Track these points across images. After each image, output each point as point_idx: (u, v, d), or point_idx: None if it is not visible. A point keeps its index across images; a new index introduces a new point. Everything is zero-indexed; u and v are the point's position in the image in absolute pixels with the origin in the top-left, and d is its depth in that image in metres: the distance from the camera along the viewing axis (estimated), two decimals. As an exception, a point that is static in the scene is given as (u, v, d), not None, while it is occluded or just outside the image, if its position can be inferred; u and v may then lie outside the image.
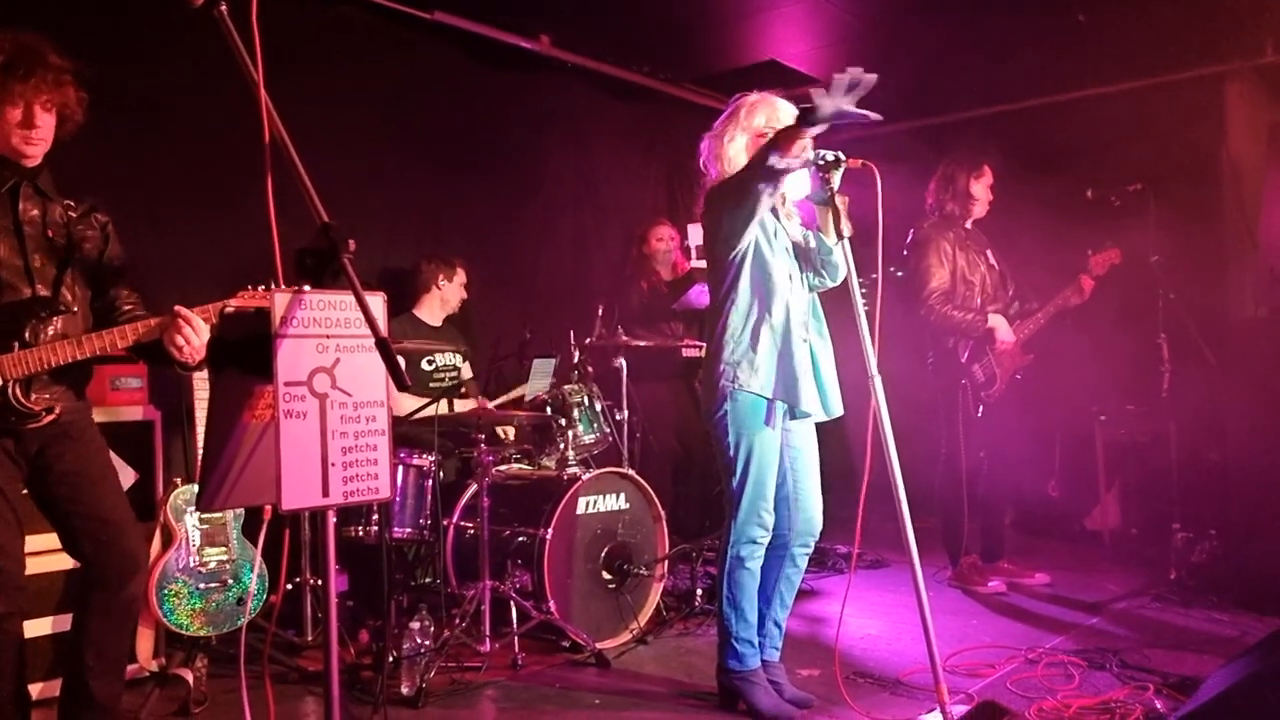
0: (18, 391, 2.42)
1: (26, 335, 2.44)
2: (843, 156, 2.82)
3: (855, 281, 2.91)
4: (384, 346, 1.46)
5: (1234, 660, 2.70)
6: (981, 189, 4.65)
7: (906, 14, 5.17)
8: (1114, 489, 5.74)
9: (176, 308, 2.44)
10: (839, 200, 2.84)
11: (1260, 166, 5.48)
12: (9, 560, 2.47)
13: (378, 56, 4.84)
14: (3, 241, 2.48)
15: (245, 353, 1.51)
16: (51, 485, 2.56)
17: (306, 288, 1.53)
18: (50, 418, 2.49)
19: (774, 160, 2.63)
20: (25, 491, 2.57)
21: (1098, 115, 5.91)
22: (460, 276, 4.63)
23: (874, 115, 2.51)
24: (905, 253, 4.67)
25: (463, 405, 4.23)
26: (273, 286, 2.14)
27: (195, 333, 2.42)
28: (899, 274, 4.68)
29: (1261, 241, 4.66)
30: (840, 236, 2.88)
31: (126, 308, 2.68)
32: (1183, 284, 4.67)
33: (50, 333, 2.49)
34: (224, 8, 1.75)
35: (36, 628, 3.04)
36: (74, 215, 2.62)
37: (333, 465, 1.49)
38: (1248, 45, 5.43)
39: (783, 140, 2.62)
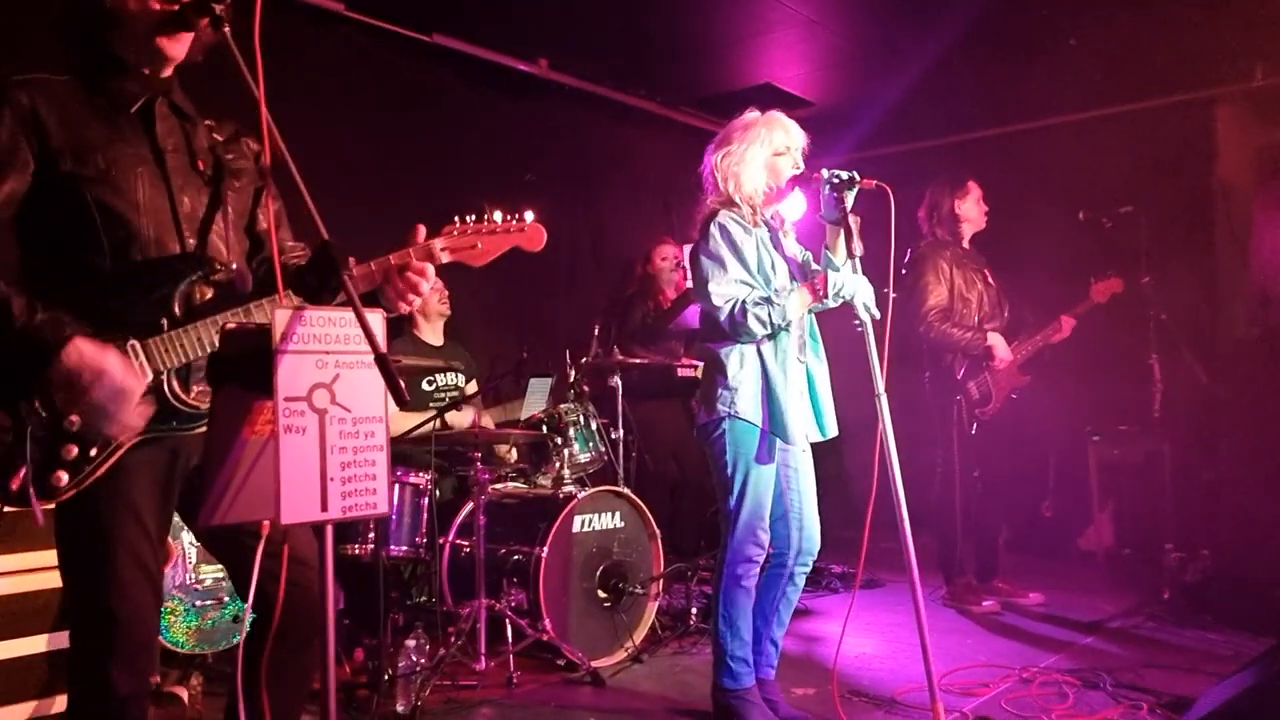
0: (176, 385, 1.82)
1: (176, 308, 1.82)
2: (857, 176, 2.81)
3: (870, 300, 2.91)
4: (383, 363, 1.47)
5: (1229, 677, 2.71)
6: (970, 206, 4.68)
7: (900, 39, 5.24)
8: (1107, 509, 5.76)
9: (392, 257, 1.89)
10: (852, 220, 2.83)
11: (1250, 189, 5.54)
12: (136, 626, 1.83)
13: (376, 78, 4.88)
14: (143, 178, 1.84)
15: (245, 368, 1.52)
16: None
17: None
18: None
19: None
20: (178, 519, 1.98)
21: (1089, 138, 5.98)
22: None
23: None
24: (903, 272, 4.70)
25: (461, 417, 4.21)
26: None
27: (425, 278, 1.91)
28: (893, 296, 4.69)
29: (1252, 263, 4.71)
30: (851, 255, 2.88)
31: (293, 261, 2.04)
32: (1174, 305, 4.71)
33: (205, 300, 1.86)
34: (227, 29, 1.77)
35: (30, 646, 2.92)
36: (220, 139, 2.01)
37: (331, 480, 1.50)
38: (1237, 69, 5.51)
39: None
